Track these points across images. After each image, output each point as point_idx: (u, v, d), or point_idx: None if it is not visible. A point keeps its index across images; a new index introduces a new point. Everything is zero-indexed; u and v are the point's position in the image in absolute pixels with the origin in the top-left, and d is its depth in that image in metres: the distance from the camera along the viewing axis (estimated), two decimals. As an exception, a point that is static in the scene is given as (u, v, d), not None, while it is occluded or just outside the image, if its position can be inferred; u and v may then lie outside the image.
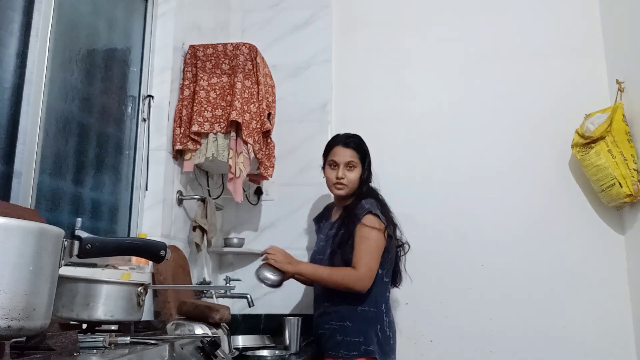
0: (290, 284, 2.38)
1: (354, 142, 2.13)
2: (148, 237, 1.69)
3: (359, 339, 1.93)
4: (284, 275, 1.96)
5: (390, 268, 2.08)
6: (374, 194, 2.11)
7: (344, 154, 2.10)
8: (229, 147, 2.09)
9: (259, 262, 2.56)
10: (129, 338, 1.02)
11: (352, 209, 2.04)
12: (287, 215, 2.64)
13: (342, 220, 2.07)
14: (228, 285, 2.30)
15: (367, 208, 1.99)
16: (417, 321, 2.51)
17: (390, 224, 2.02)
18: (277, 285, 1.94)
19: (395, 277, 2.14)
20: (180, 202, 2.15)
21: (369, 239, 1.95)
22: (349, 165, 2.10)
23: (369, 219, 1.97)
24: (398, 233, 2.10)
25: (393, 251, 2.08)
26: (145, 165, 2.02)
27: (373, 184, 2.17)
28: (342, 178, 2.09)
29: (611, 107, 2.40)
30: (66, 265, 0.90)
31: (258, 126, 2.18)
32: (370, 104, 2.77)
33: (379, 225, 1.97)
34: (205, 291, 2.11)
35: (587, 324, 2.40)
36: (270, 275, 1.90)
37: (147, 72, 2.11)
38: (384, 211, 2.04)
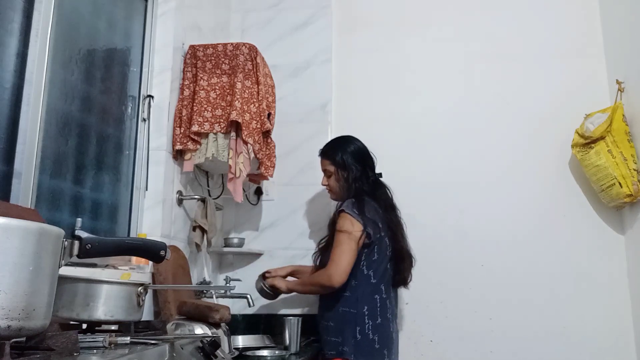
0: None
1: (322, 151, 2.26)
2: (148, 237, 1.69)
3: (337, 339, 1.98)
4: (277, 291, 2.21)
5: (381, 269, 2.04)
6: (359, 193, 2.09)
7: (321, 164, 2.26)
8: (229, 147, 2.09)
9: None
10: (129, 338, 1.02)
11: (335, 212, 2.14)
12: (287, 215, 2.64)
13: (328, 225, 2.19)
14: (228, 285, 2.30)
15: (340, 208, 2.06)
16: (417, 321, 2.51)
17: (369, 222, 2.01)
18: (271, 294, 2.22)
19: (395, 278, 2.10)
20: (180, 202, 2.15)
21: (339, 242, 2.01)
22: (326, 174, 2.22)
23: (340, 221, 2.03)
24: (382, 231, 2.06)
25: (383, 252, 2.05)
26: (145, 165, 2.02)
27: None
28: (325, 185, 2.25)
29: (611, 107, 2.40)
30: (66, 265, 0.90)
31: (258, 126, 2.18)
32: (370, 104, 2.77)
33: (349, 228, 1.99)
34: (205, 291, 2.11)
35: (587, 324, 2.40)
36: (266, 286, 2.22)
37: (147, 72, 2.11)
38: (361, 210, 2.02)
